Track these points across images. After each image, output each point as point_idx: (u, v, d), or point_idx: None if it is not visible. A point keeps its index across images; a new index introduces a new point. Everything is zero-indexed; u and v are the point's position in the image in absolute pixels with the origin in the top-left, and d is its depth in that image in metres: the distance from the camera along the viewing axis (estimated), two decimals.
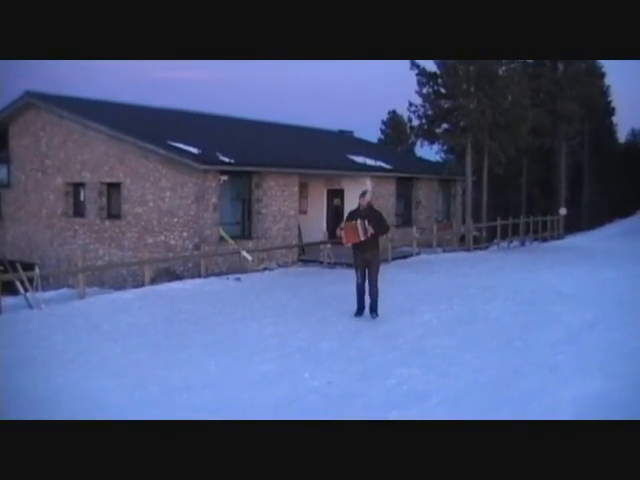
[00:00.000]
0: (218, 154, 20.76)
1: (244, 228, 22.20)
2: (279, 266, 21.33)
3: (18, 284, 13.97)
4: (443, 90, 31.21)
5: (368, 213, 12.16)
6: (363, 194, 12.50)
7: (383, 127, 60.17)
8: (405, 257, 22.89)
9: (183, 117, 27.76)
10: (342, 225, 12.34)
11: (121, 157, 22.09)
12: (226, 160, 20.58)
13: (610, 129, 55.90)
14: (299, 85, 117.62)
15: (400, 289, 14.62)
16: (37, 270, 14.50)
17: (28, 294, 13.74)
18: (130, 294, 14.92)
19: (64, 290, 18.18)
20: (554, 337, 10.32)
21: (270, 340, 10.54)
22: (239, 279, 17.20)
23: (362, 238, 11.85)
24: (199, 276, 18.10)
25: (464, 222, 31.41)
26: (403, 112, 46.49)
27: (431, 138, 32.89)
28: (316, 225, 26.55)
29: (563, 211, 36.94)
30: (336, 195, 28.27)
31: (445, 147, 36.75)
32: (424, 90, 31.31)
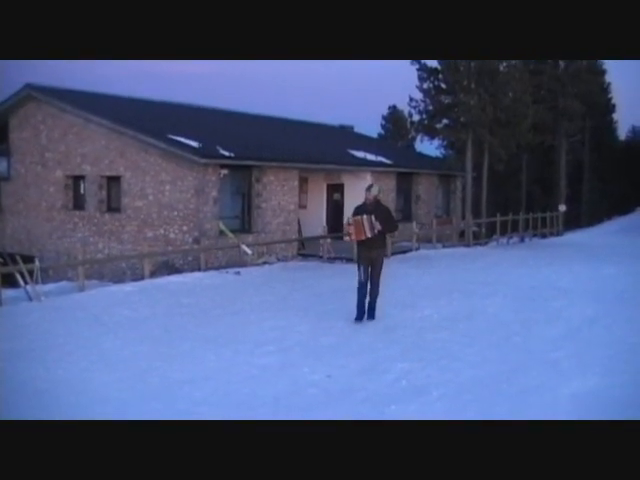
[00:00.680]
0: (218, 148, 20.74)
1: (244, 222, 22.19)
2: (279, 260, 21.33)
3: (18, 276, 13.98)
4: (444, 85, 31.19)
5: (375, 208, 11.38)
6: (369, 188, 11.73)
7: (383, 122, 60.07)
8: (405, 252, 22.91)
9: (183, 111, 27.74)
10: (350, 220, 11.57)
11: (121, 150, 22.07)
12: (226, 154, 20.56)
13: (611, 126, 55.84)
14: (300, 80, 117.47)
15: (400, 284, 14.61)
16: (37, 263, 14.53)
17: (28, 287, 13.75)
18: (130, 287, 14.93)
19: (64, 283, 18.20)
20: (554, 333, 10.32)
21: (270, 334, 10.55)
22: (239, 273, 17.21)
23: (368, 235, 11.12)
24: (199, 270, 18.10)
25: (464, 218, 31.42)
26: (403, 107, 46.49)
27: (431, 133, 32.90)
28: (316, 220, 26.57)
29: (562, 208, 36.96)
30: (336, 190, 28.28)
31: (445, 143, 36.76)
32: (425, 85, 31.32)
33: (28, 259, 16.17)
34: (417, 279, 16.20)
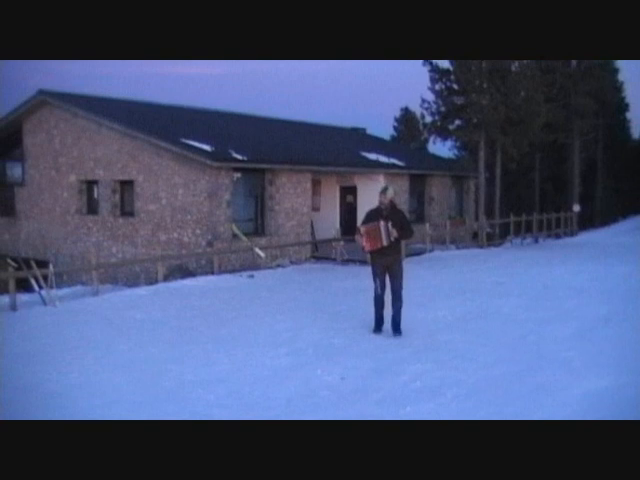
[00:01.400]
0: (231, 151, 20.79)
1: (257, 225, 22.23)
2: (292, 263, 21.35)
3: (33, 281, 14.06)
4: (456, 86, 31.15)
5: (390, 213, 10.35)
6: (384, 190, 10.60)
7: (396, 124, 60.06)
8: (419, 254, 22.86)
9: (196, 114, 27.81)
10: (361, 230, 10.41)
11: (134, 154, 22.16)
12: (239, 157, 20.60)
13: (624, 125, 55.60)
14: (312, 83, 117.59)
15: (414, 285, 14.53)
16: (51, 267, 14.62)
17: (42, 291, 13.82)
18: (143, 291, 14.98)
19: (78, 287, 18.28)
20: (567, 332, 10.29)
21: (283, 335, 10.56)
22: (252, 276, 17.24)
23: (385, 243, 10.14)
24: (212, 273, 18.14)
25: (477, 219, 31.35)
26: (415, 109, 46.52)
27: (444, 134, 32.85)
28: (329, 222, 26.59)
29: (576, 208, 36.83)
30: (349, 192, 28.29)
31: (458, 143, 36.69)
32: (437, 86, 31.30)
33: (42, 264, 16.29)
34: (430, 280, 16.17)
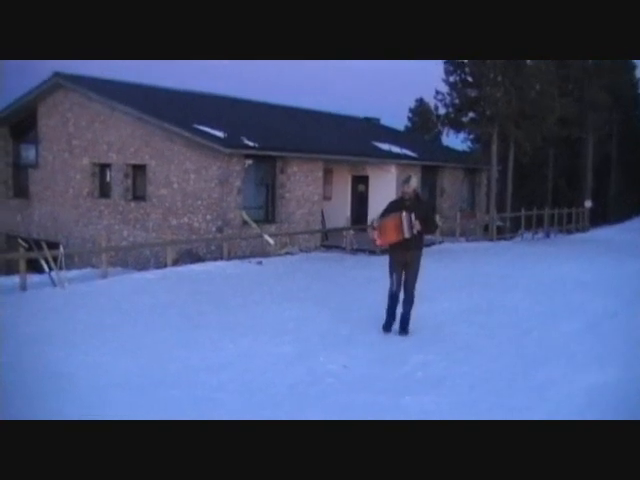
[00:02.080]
0: (243, 138, 20.82)
1: (267, 212, 22.28)
2: (301, 251, 21.40)
3: (43, 262, 14.15)
4: (470, 79, 31.03)
5: (414, 204, 9.69)
6: (407, 180, 9.99)
7: (410, 115, 59.97)
8: (428, 245, 22.82)
9: (208, 101, 27.85)
10: (374, 223, 9.89)
11: (147, 139, 22.22)
12: (251, 144, 20.63)
13: (639, 120, 55.28)
14: (326, 71, 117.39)
15: (421, 277, 14.56)
16: (61, 249, 14.70)
17: (52, 273, 13.91)
18: (152, 275, 15.06)
19: (88, 270, 18.37)
20: (574, 326, 10.33)
21: (289, 323, 10.61)
22: (261, 263, 17.30)
23: (407, 236, 9.46)
24: (221, 259, 18.21)
25: (488, 212, 31.31)
26: (430, 100, 46.39)
27: (457, 127, 32.75)
28: (340, 211, 26.60)
29: (588, 204, 36.69)
30: (361, 182, 28.29)
31: (471, 136, 36.60)
32: (451, 78, 31.18)
33: (53, 245, 16.37)
34: (438, 272, 16.12)
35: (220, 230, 20.17)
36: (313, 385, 7.56)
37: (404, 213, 9.46)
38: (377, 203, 26.75)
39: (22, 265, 13.49)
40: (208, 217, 20.66)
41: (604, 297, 12.62)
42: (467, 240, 26.67)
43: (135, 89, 26.02)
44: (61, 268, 14.20)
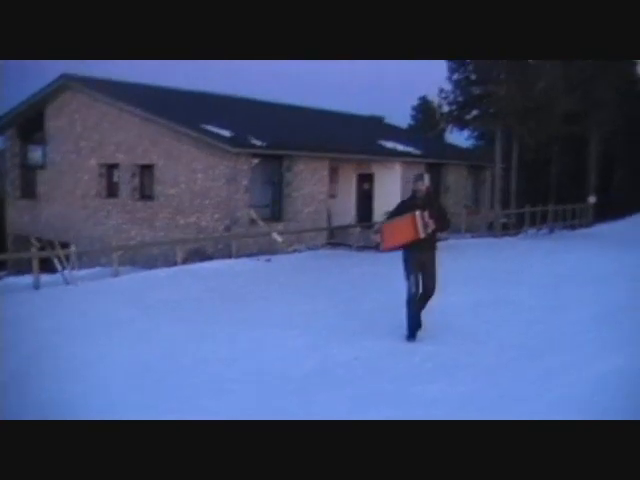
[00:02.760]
0: (250, 137, 21.00)
1: (274, 211, 22.45)
2: (308, 249, 21.58)
3: (56, 261, 14.37)
4: (474, 76, 31.19)
5: (427, 202, 9.28)
6: (420, 177, 9.55)
7: (414, 113, 60.11)
8: None
9: (215, 100, 28.03)
10: (377, 227, 9.54)
11: (155, 139, 22.43)
12: (258, 143, 20.81)
13: None
14: (330, 70, 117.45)
15: None
16: (74, 248, 14.90)
17: (65, 271, 14.13)
18: (162, 272, 15.29)
19: (97, 269, 18.59)
20: (580, 318, 10.44)
21: (299, 317, 10.83)
22: (269, 260, 17.51)
23: (421, 235, 9.01)
24: (229, 257, 18.41)
25: (492, 208, 31.46)
26: (433, 98, 46.48)
27: (461, 124, 32.91)
28: (345, 209, 26.80)
29: (592, 199, 36.81)
30: (366, 180, 28.44)
31: (476, 133, 36.74)
32: (455, 76, 31.36)
33: (63, 245, 16.59)
34: (445, 268, 16.20)
35: (228, 229, 20.37)
36: (324, 376, 7.78)
37: (418, 212, 9.00)
38: (382, 201, 26.94)
39: (35, 264, 13.72)
40: (216, 216, 20.86)
41: (610, 290, 12.70)
42: (472, 236, 26.82)
43: (142, 90, 26.20)
44: (73, 267, 14.43)
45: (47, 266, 15.02)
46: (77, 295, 12.46)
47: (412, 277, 9.29)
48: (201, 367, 8.13)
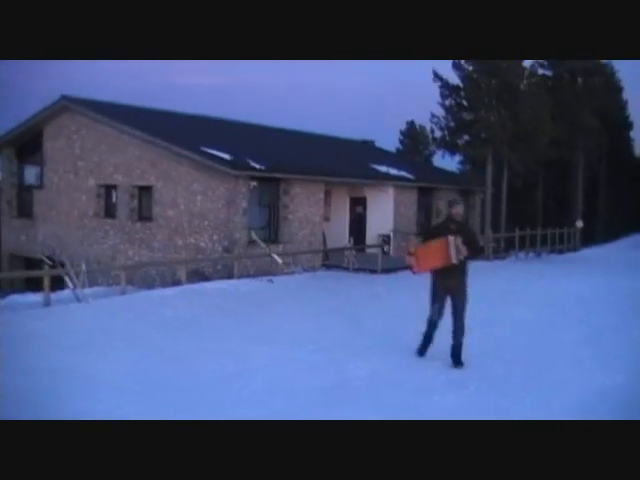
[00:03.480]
0: (249, 160, 21.38)
1: (271, 232, 22.78)
2: (304, 270, 21.91)
3: (67, 279, 14.66)
4: (465, 102, 31.82)
5: (460, 228, 9.28)
6: (457, 202, 9.63)
7: (401, 137, 60.83)
8: None
9: (214, 124, 28.48)
10: (412, 249, 9.38)
11: (154, 161, 22.76)
12: (257, 166, 21.17)
13: (628, 143, 56.33)
14: (318, 95, 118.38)
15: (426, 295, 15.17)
16: (84, 266, 15.19)
17: (76, 289, 14.43)
18: (169, 291, 15.55)
19: (102, 287, 18.83)
20: (577, 337, 11.00)
21: (309, 334, 11.21)
22: (271, 280, 17.84)
23: (454, 261, 8.96)
24: (229, 278, 18.70)
25: (482, 232, 31.96)
26: (422, 122, 47.17)
27: (453, 149, 33.49)
28: (339, 232, 27.17)
29: (580, 224, 37.45)
30: (358, 203, 28.88)
31: (465, 158, 37.35)
32: (447, 102, 31.98)
33: (62, 264, 16.87)
34: None
35: (227, 250, 20.69)
36: (345, 387, 8.17)
37: (451, 237, 8.97)
38: (375, 224, 27.49)
39: (46, 282, 13.98)
40: (214, 237, 21.19)
41: (603, 311, 13.29)
42: None
43: (142, 113, 26.61)
44: (83, 285, 14.73)
45: (58, 283, 15.32)
46: (90, 312, 12.70)
47: (436, 305, 9.31)
48: (223, 380, 8.45)
